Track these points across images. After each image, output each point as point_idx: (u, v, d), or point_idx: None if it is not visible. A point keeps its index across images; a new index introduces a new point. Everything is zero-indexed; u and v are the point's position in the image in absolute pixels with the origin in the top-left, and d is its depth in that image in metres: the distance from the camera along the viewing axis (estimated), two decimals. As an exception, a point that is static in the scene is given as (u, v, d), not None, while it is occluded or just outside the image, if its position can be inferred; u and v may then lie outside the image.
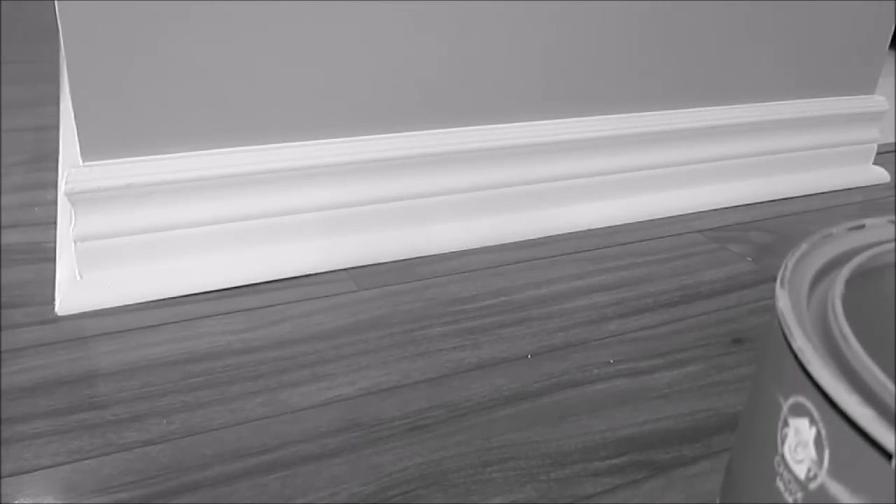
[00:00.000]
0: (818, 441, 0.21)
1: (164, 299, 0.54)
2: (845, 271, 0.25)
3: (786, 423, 0.22)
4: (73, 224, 0.52)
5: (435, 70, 0.61)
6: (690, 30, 0.70)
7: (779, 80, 0.77)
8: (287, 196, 0.58)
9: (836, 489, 0.20)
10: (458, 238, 0.64)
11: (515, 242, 0.66)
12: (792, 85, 0.78)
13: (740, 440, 0.27)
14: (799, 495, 0.22)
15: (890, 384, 0.20)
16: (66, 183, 0.51)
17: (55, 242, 0.61)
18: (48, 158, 0.79)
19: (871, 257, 0.26)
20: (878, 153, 0.91)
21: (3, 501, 0.36)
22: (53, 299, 0.53)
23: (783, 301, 0.24)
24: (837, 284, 0.24)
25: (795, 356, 0.22)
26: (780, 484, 0.23)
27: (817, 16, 0.76)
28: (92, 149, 0.52)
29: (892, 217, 0.29)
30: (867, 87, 0.83)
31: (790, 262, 0.26)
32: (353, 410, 0.43)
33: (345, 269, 0.59)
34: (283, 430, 0.42)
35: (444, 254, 0.63)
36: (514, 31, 0.62)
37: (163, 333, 0.50)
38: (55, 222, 0.65)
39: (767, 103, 0.78)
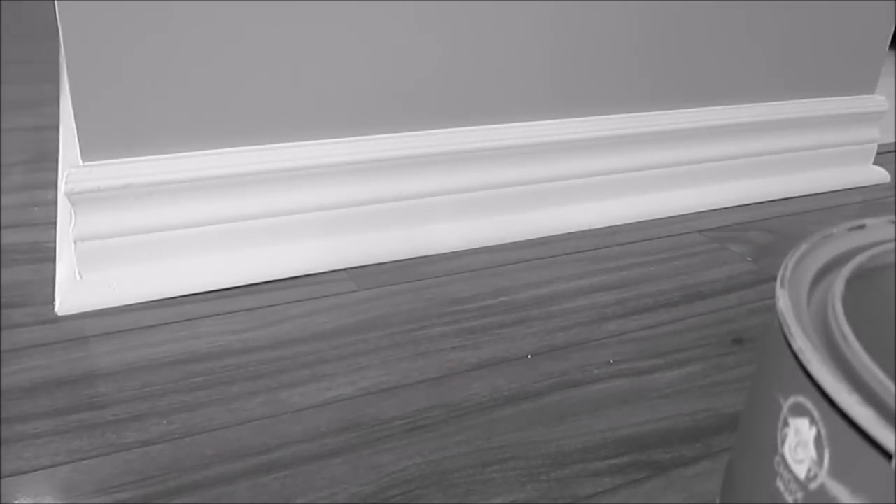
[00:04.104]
0: (818, 441, 0.21)
1: (164, 299, 0.54)
2: (845, 271, 0.25)
3: (786, 423, 0.22)
4: (73, 224, 0.52)
5: (435, 70, 0.61)
6: (690, 30, 0.70)
7: (779, 79, 0.77)
8: (287, 196, 0.58)
9: (836, 489, 0.20)
10: (458, 238, 0.64)
11: (515, 242, 0.66)
12: (792, 85, 0.78)
13: (740, 440, 0.27)
14: (799, 495, 0.22)
15: (890, 384, 0.20)
16: (66, 183, 0.51)
17: (55, 242, 0.61)
18: (48, 158, 0.79)
19: (871, 257, 0.26)
20: (878, 153, 0.91)
21: (3, 501, 0.36)
22: (53, 299, 0.53)
23: (783, 301, 0.24)
24: (837, 284, 0.24)
25: (795, 356, 0.22)
26: (780, 484, 0.23)
27: (817, 16, 0.76)
28: (92, 149, 0.52)
29: (892, 217, 0.29)
30: (867, 87, 0.83)
31: (790, 262, 0.26)
32: (353, 410, 0.43)
33: (345, 269, 0.59)
34: (283, 430, 0.42)
35: (444, 254, 0.63)
36: (515, 31, 0.62)
37: (163, 333, 0.50)
38: (55, 222, 0.65)
39: (767, 103, 0.78)
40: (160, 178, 0.53)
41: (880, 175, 0.85)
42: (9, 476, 0.38)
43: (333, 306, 0.54)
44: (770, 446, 0.23)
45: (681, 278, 0.61)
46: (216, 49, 0.53)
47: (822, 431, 0.20)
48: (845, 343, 0.22)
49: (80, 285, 0.53)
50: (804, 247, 0.27)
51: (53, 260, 0.58)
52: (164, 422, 0.42)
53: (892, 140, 0.96)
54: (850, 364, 0.21)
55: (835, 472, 0.20)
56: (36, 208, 0.67)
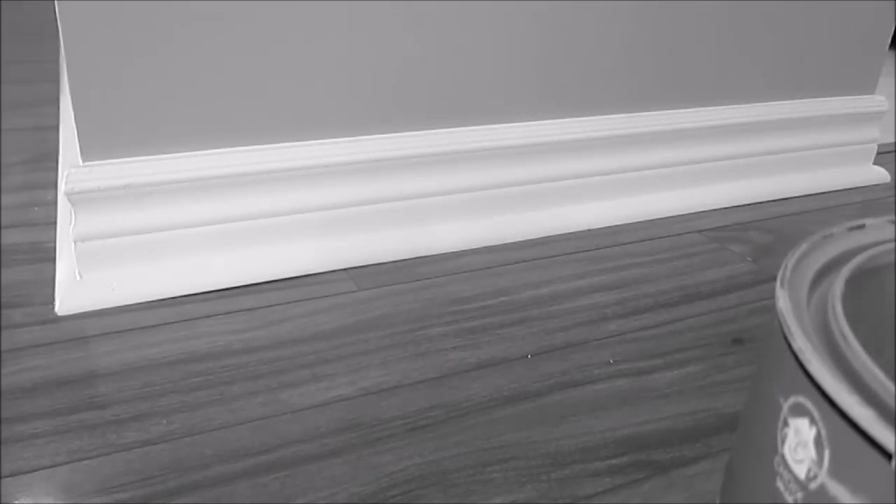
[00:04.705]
0: (818, 441, 0.21)
1: (164, 299, 0.54)
2: (845, 271, 0.25)
3: (786, 423, 0.22)
4: (73, 224, 0.52)
5: (435, 70, 0.61)
6: (690, 30, 0.70)
7: (779, 79, 0.77)
8: (287, 196, 0.58)
9: (836, 489, 0.20)
10: (458, 238, 0.64)
11: (515, 242, 0.66)
12: (792, 85, 0.78)
13: (740, 440, 0.27)
14: (799, 495, 0.22)
15: (890, 384, 0.20)
16: (66, 183, 0.51)
17: (55, 242, 0.61)
18: (48, 158, 0.79)
19: (871, 257, 0.26)
20: (878, 153, 0.91)
21: (3, 501, 0.36)
22: (53, 299, 0.53)
23: (783, 301, 0.24)
24: (837, 284, 0.24)
25: (795, 356, 0.22)
26: (780, 484, 0.23)
27: (817, 16, 0.76)
28: (92, 149, 0.52)
29: (892, 217, 0.30)
30: (867, 87, 0.83)
31: (790, 262, 0.26)
32: (353, 410, 0.43)
33: (345, 269, 0.59)
34: (283, 430, 0.42)
35: (444, 254, 0.63)
36: (514, 32, 0.62)
37: (163, 333, 0.50)
38: (55, 222, 0.65)
39: (767, 103, 0.78)
40: (160, 178, 0.53)
41: (880, 175, 0.85)
42: (9, 476, 0.38)
43: (333, 306, 0.54)
44: (770, 446, 0.23)
45: (681, 278, 0.61)
46: (216, 49, 0.53)
47: (822, 431, 0.20)
48: (845, 343, 0.22)
49: (80, 285, 0.53)
50: (804, 247, 0.27)
51: (53, 260, 0.58)
52: (164, 422, 0.42)
53: (892, 140, 0.96)
54: (850, 364, 0.21)
55: (835, 472, 0.20)
56: (36, 208, 0.67)
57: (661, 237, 0.68)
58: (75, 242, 0.53)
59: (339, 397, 0.44)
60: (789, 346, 0.22)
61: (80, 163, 0.52)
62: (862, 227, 0.29)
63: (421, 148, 0.61)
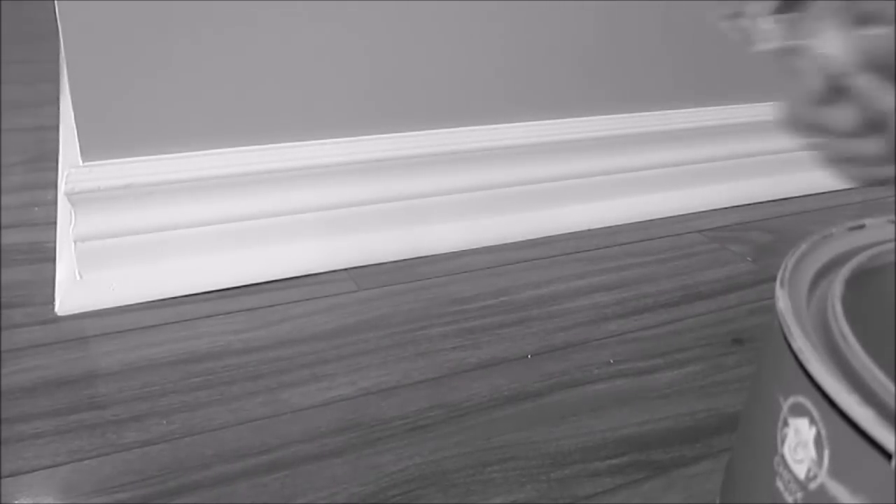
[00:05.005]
0: (818, 441, 0.21)
1: (164, 299, 0.54)
2: (845, 271, 0.25)
3: (786, 423, 0.22)
4: (73, 224, 0.52)
5: (435, 70, 0.61)
6: (690, 30, 0.70)
7: (779, 79, 0.77)
8: (287, 196, 0.58)
9: (836, 489, 0.20)
10: (458, 238, 0.64)
11: (515, 242, 0.65)
12: (792, 85, 0.78)
13: (740, 440, 0.27)
14: (799, 495, 0.22)
15: (890, 384, 0.20)
16: (66, 183, 0.51)
17: (55, 242, 0.61)
18: (48, 158, 0.79)
19: (871, 257, 0.26)
20: (878, 153, 0.91)
21: (3, 501, 0.36)
22: (53, 299, 0.53)
23: (783, 301, 0.24)
24: (837, 284, 0.24)
25: (795, 356, 0.22)
26: (780, 484, 0.23)
27: (817, 16, 0.76)
28: (92, 149, 0.52)
29: (892, 217, 0.30)
30: (867, 87, 0.83)
31: (790, 262, 0.26)
32: (353, 410, 0.43)
33: (345, 269, 0.59)
34: (283, 430, 0.42)
35: (444, 254, 0.63)
36: (514, 32, 0.62)
37: (163, 333, 0.50)
38: (55, 222, 0.65)
39: (767, 103, 0.78)
40: (160, 178, 0.53)
41: (880, 175, 0.85)
42: (9, 476, 0.38)
43: (333, 306, 0.54)
44: (770, 446, 0.23)
45: (681, 278, 0.61)
46: (216, 49, 0.53)
47: (822, 431, 0.21)
48: (845, 343, 0.22)
49: (80, 285, 0.53)
50: (804, 247, 0.27)
51: (53, 260, 0.58)
52: (164, 422, 0.42)
53: (892, 140, 0.96)
54: (849, 364, 0.21)
55: (835, 472, 0.20)
56: (36, 208, 0.67)
57: (660, 237, 0.68)
58: (75, 242, 0.53)
59: (339, 397, 0.44)
60: (789, 346, 0.22)
61: (80, 163, 0.52)
62: (862, 227, 0.29)
63: (421, 148, 0.61)
